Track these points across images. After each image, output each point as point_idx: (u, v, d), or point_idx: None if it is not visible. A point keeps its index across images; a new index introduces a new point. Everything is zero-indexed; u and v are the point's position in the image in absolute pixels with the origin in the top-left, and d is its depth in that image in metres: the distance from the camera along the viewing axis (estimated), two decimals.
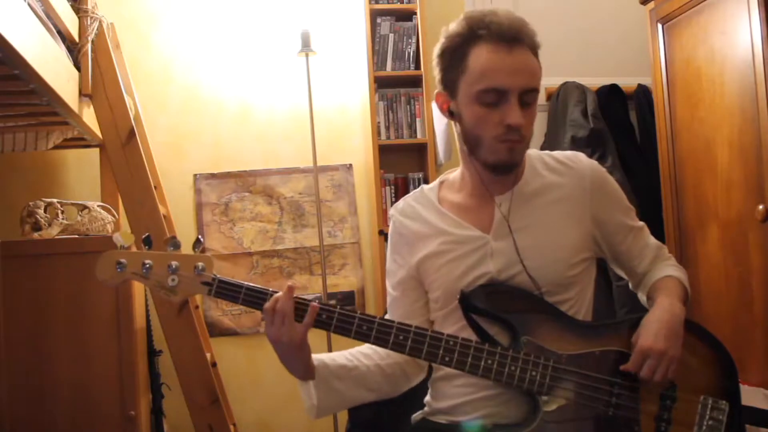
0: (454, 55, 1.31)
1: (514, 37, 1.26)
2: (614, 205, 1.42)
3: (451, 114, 1.35)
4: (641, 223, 1.46)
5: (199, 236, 1.36)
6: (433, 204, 1.43)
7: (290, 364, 1.32)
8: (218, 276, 1.30)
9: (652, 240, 1.47)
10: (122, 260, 1.29)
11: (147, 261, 1.29)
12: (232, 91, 3.27)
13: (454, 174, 1.47)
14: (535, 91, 1.29)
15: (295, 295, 1.26)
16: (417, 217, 1.43)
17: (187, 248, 1.31)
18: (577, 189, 1.37)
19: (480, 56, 1.27)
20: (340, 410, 1.49)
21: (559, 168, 1.40)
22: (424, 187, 1.48)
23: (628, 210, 1.45)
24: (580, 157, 1.42)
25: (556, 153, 1.43)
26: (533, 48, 1.29)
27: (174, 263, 1.29)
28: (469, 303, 1.32)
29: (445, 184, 1.47)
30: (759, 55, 1.97)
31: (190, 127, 3.24)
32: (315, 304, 1.26)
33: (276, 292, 1.28)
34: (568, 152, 1.44)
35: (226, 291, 1.29)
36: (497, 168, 1.32)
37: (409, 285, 1.44)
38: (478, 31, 1.27)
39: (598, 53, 3.29)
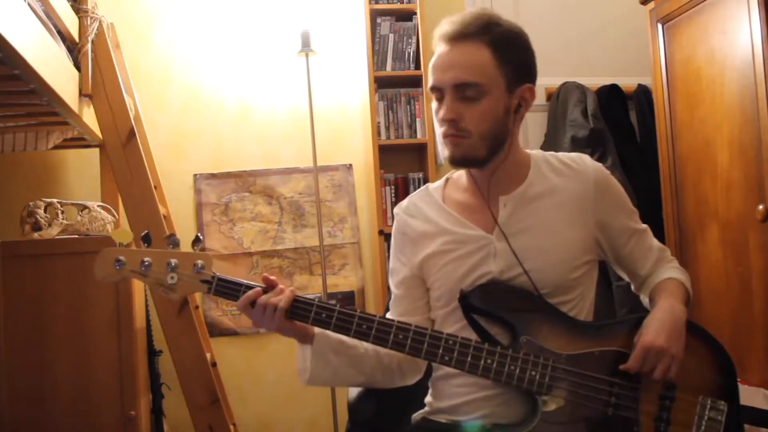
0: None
1: (456, 34, 1.30)
2: (618, 208, 1.42)
3: None
4: (644, 226, 1.46)
5: (198, 234, 1.36)
6: (438, 203, 1.43)
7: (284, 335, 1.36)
8: (217, 274, 1.30)
9: (655, 242, 1.47)
10: (121, 258, 1.28)
11: (146, 259, 1.28)
12: (232, 91, 3.27)
13: (459, 172, 1.47)
14: (471, 84, 1.28)
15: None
16: (421, 215, 1.44)
17: (186, 246, 1.31)
18: (581, 192, 1.37)
19: (434, 57, 1.35)
20: (330, 385, 1.51)
21: (564, 170, 1.40)
22: (430, 185, 1.49)
23: (632, 213, 1.45)
24: (585, 159, 1.42)
25: (561, 154, 1.43)
26: (491, 41, 1.29)
27: (173, 261, 1.28)
28: (469, 302, 1.32)
29: (450, 182, 1.47)
30: (759, 55, 1.96)
31: (190, 127, 3.24)
32: (290, 290, 1.29)
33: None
34: (573, 154, 1.44)
35: (226, 289, 1.30)
36: (453, 164, 1.34)
37: (411, 284, 1.44)
38: (436, 34, 1.35)
39: (598, 53, 3.29)
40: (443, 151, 1.35)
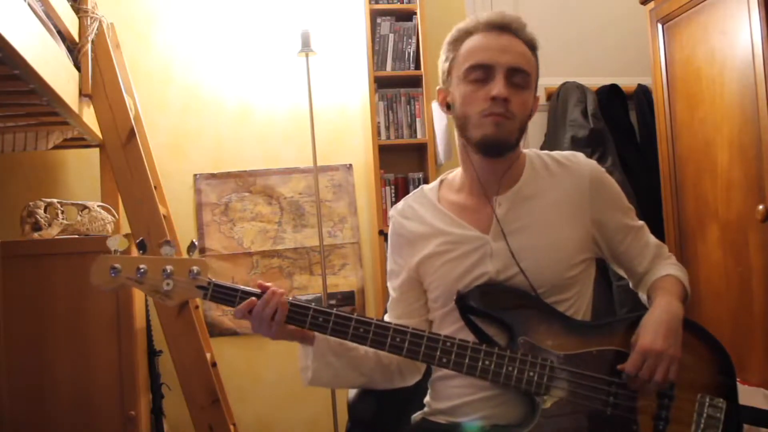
0: (452, 45, 1.38)
1: (504, 25, 1.34)
2: (613, 205, 1.42)
3: (448, 107, 1.39)
4: (641, 223, 1.46)
5: (194, 240, 1.36)
6: (433, 204, 1.43)
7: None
8: (213, 280, 1.30)
9: (652, 239, 1.47)
10: (116, 265, 1.28)
11: (141, 266, 1.28)
12: (233, 91, 3.27)
13: (454, 173, 1.47)
14: (524, 72, 1.32)
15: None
16: (416, 217, 1.44)
17: (185, 248, 1.31)
18: (576, 189, 1.37)
19: (471, 41, 1.35)
20: (330, 386, 1.52)
21: (558, 168, 1.40)
22: (425, 187, 1.49)
23: (628, 210, 1.45)
24: (579, 157, 1.43)
25: (555, 153, 1.44)
26: (527, 42, 1.35)
27: (168, 267, 1.28)
28: (466, 304, 1.32)
29: (444, 183, 1.47)
30: (759, 55, 1.96)
31: (190, 127, 3.24)
32: (285, 300, 1.29)
33: None
34: (567, 152, 1.44)
35: (222, 295, 1.30)
36: (485, 145, 1.32)
37: (409, 286, 1.44)
38: (475, 26, 1.36)
39: (598, 53, 3.28)
40: (482, 128, 1.30)
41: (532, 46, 1.36)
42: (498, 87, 1.29)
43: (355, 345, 1.36)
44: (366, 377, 1.41)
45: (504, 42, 1.33)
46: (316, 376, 1.37)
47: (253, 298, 1.29)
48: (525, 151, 1.44)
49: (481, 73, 1.31)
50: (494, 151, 1.33)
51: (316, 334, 1.34)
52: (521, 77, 1.32)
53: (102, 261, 1.29)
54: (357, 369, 1.39)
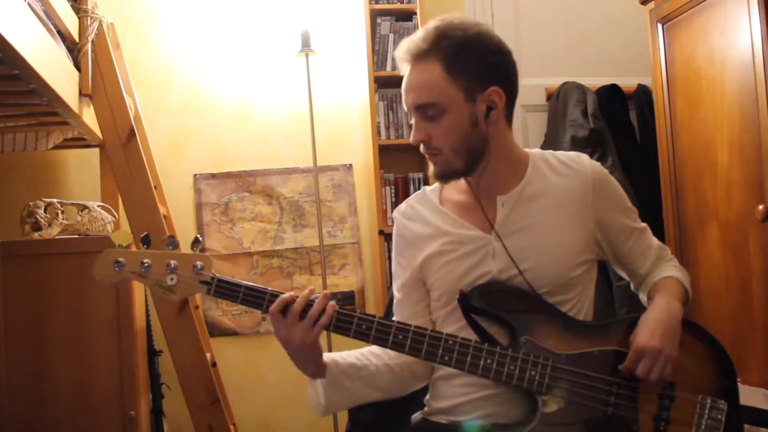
0: None
1: (411, 55, 1.32)
2: (616, 206, 1.42)
3: None
4: (643, 225, 1.46)
5: (198, 235, 1.35)
6: (435, 204, 1.43)
7: (301, 363, 1.30)
8: (217, 275, 1.29)
9: (655, 241, 1.47)
10: (120, 259, 1.28)
11: (145, 260, 1.28)
12: (233, 91, 3.27)
13: None
14: (429, 104, 1.29)
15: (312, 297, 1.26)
16: (419, 218, 1.44)
17: (186, 248, 1.30)
18: (579, 191, 1.37)
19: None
20: (347, 408, 1.49)
21: (562, 169, 1.40)
22: (426, 188, 1.49)
23: (631, 211, 1.45)
24: (583, 158, 1.42)
25: (560, 153, 1.43)
26: (441, 56, 1.28)
27: (173, 262, 1.28)
28: (468, 303, 1.32)
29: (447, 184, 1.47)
30: (759, 55, 1.96)
31: (190, 127, 3.24)
32: (333, 303, 1.25)
33: (275, 292, 1.27)
34: (571, 153, 1.44)
35: (225, 290, 1.29)
36: (438, 181, 1.37)
37: (412, 287, 1.44)
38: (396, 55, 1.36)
39: (598, 53, 3.28)
40: (430, 167, 1.37)
41: (448, 56, 1.28)
42: (412, 134, 1.33)
43: (365, 363, 1.36)
44: (383, 391, 1.40)
45: (409, 78, 1.32)
46: (330, 403, 1.34)
47: (286, 295, 1.24)
48: (529, 151, 1.43)
49: (410, 115, 1.35)
50: (447, 181, 1.37)
51: (327, 362, 1.31)
52: (431, 109, 1.29)
53: (106, 255, 1.28)
54: (373, 385, 1.38)
